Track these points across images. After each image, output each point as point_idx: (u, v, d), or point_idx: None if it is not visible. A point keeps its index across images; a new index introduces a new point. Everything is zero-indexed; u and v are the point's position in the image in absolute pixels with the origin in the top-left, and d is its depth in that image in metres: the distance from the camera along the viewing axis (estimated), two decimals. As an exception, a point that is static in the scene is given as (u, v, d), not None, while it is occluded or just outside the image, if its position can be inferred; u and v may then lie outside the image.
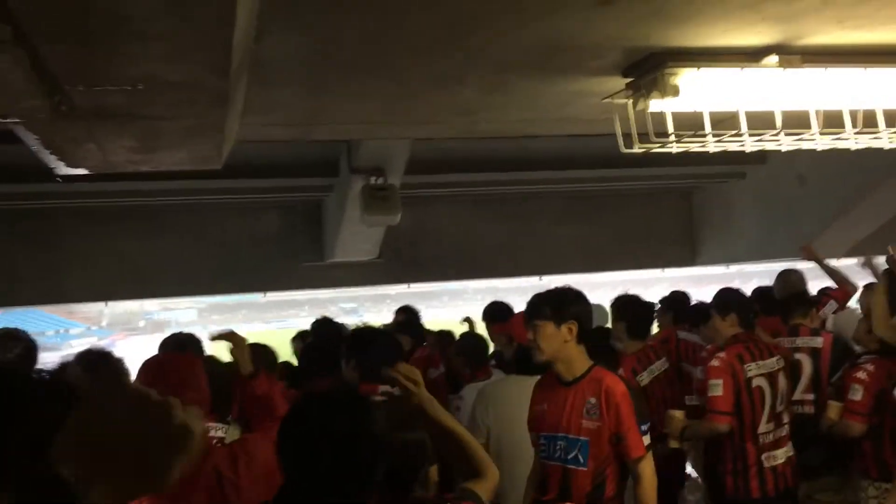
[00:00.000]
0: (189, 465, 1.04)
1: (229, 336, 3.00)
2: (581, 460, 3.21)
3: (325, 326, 5.67)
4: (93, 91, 2.51)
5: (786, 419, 4.31)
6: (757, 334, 4.51)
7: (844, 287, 5.79)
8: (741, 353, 4.22)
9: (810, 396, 4.76)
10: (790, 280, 5.54)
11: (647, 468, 3.22)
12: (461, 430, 2.31)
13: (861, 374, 4.18)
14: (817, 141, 3.46)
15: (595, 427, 3.20)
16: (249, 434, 2.71)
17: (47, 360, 4.81)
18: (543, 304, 3.30)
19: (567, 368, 3.30)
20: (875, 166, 8.15)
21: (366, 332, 4.30)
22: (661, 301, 6.22)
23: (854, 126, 3.42)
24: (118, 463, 0.99)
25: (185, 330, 4.92)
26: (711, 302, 4.63)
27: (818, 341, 4.85)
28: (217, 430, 3.17)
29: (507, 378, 4.00)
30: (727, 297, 4.53)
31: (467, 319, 6.83)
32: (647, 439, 3.25)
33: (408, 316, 6.78)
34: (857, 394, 4.14)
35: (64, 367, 3.00)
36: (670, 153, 3.56)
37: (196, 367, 2.66)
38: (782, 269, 5.81)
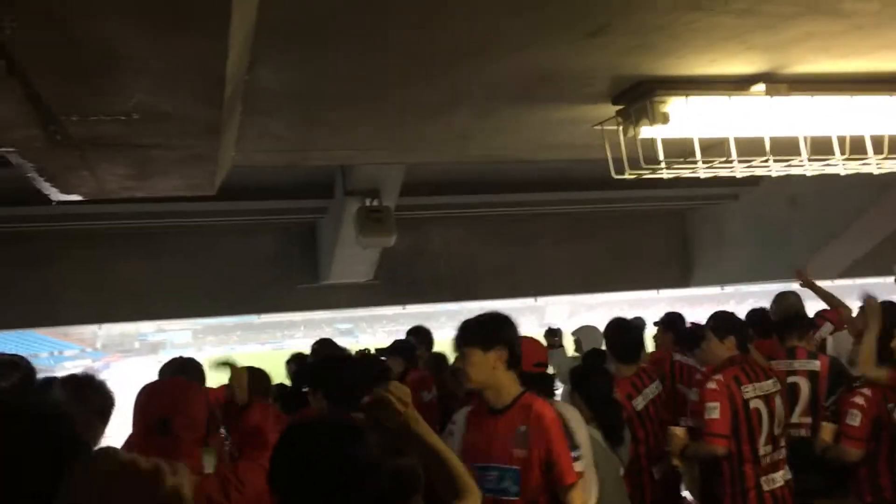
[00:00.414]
0: None
1: (230, 366, 3.01)
2: (512, 490, 3.08)
3: (325, 348, 5.66)
4: (87, 121, 2.53)
5: (782, 442, 4.34)
6: (752, 357, 4.54)
7: (839, 309, 5.81)
8: (738, 375, 4.26)
9: (808, 420, 4.78)
10: (787, 302, 5.56)
11: (577, 497, 3.12)
12: (445, 448, 2.30)
13: (859, 400, 4.18)
14: (806, 167, 3.50)
15: (525, 455, 3.08)
16: (240, 461, 2.71)
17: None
18: (471, 330, 3.19)
19: (496, 396, 3.19)
20: (866, 189, 8.21)
21: (329, 361, 4.29)
22: (658, 323, 6.24)
23: (843, 152, 3.45)
24: None
25: (182, 353, 4.92)
26: (708, 324, 4.66)
27: (815, 364, 4.88)
28: None
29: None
30: (725, 320, 4.57)
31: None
32: (578, 465, 3.16)
33: (420, 336, 6.75)
34: (854, 419, 4.15)
35: (48, 385, 3.03)
36: (663, 178, 3.59)
37: (191, 392, 2.63)
38: (779, 290, 5.83)
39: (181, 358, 4.50)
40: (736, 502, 4.18)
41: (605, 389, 4.48)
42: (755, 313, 5.74)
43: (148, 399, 2.49)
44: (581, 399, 4.32)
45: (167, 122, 2.58)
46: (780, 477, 4.25)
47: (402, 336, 6.93)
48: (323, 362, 4.28)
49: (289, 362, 6.25)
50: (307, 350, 6.10)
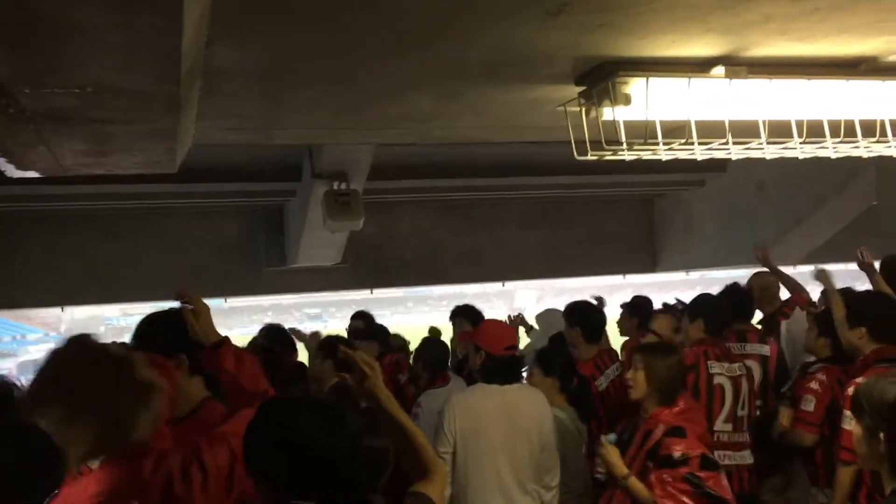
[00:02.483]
0: (155, 423, 1.05)
1: (194, 300, 2.59)
2: None
3: (274, 334, 5.56)
4: (40, 94, 2.49)
5: (746, 426, 4.42)
6: (722, 341, 4.62)
7: (800, 293, 5.88)
8: (707, 350, 4.39)
9: (758, 402, 4.86)
10: (757, 282, 5.62)
11: None
12: (413, 427, 2.30)
13: (814, 385, 4.25)
14: (765, 150, 3.54)
15: None
16: (207, 438, 2.54)
17: (2, 366, 4.75)
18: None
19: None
20: (832, 175, 8.33)
21: None
22: (623, 306, 6.28)
23: (800, 136, 3.49)
24: (89, 410, 1.00)
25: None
26: (686, 306, 4.84)
27: (766, 349, 4.98)
28: None
29: (475, 387, 4.00)
30: (697, 303, 4.72)
31: (433, 329, 6.81)
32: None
33: (366, 321, 6.74)
34: (809, 405, 4.21)
35: None
36: (626, 161, 3.61)
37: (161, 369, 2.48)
38: (744, 276, 5.88)
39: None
40: None
41: (572, 365, 4.57)
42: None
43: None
44: (549, 379, 4.38)
45: (123, 96, 2.55)
46: (738, 457, 4.32)
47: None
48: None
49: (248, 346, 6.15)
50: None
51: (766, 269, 5.84)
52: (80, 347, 1.06)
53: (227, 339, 2.56)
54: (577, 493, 4.28)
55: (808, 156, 3.62)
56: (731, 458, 4.30)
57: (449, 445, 3.74)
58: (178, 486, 2.26)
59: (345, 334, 6.28)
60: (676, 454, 3.31)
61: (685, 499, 3.26)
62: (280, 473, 1.83)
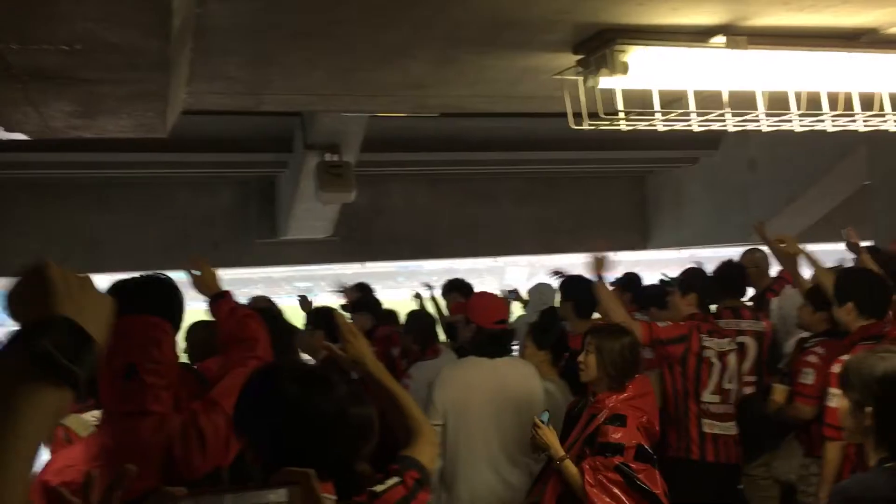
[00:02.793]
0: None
1: (202, 265, 2.75)
2: None
3: (261, 304, 5.51)
4: (28, 50, 2.44)
5: (733, 398, 4.47)
6: (711, 317, 4.64)
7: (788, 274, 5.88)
8: (699, 325, 4.44)
9: (752, 378, 4.88)
10: (747, 258, 5.64)
11: None
12: (401, 391, 2.28)
13: (812, 358, 4.25)
14: (762, 122, 3.50)
15: None
16: (203, 402, 2.53)
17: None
18: None
19: None
20: (824, 154, 8.32)
21: None
22: (615, 282, 6.28)
23: (798, 108, 3.46)
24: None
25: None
26: (675, 279, 4.85)
27: (761, 325, 5.01)
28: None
29: (465, 360, 3.98)
30: (689, 277, 4.73)
31: (417, 296, 6.82)
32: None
33: (364, 293, 6.72)
34: (808, 377, 4.22)
35: None
36: (629, 133, 3.58)
37: (159, 334, 2.37)
38: (734, 254, 5.88)
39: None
40: (680, 443, 4.34)
41: (565, 340, 4.55)
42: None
43: (113, 342, 2.36)
44: (541, 352, 4.37)
45: (112, 53, 2.49)
46: (724, 428, 4.41)
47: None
48: None
49: None
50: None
51: (756, 247, 5.83)
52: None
53: (227, 292, 2.72)
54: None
55: (805, 129, 3.59)
56: (719, 428, 4.38)
57: (439, 417, 3.73)
58: (177, 449, 2.26)
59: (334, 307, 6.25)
60: (613, 442, 3.26)
61: (615, 489, 3.20)
62: (265, 439, 1.82)
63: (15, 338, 1.01)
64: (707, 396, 4.37)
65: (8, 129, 3.39)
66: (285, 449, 1.80)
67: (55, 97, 2.94)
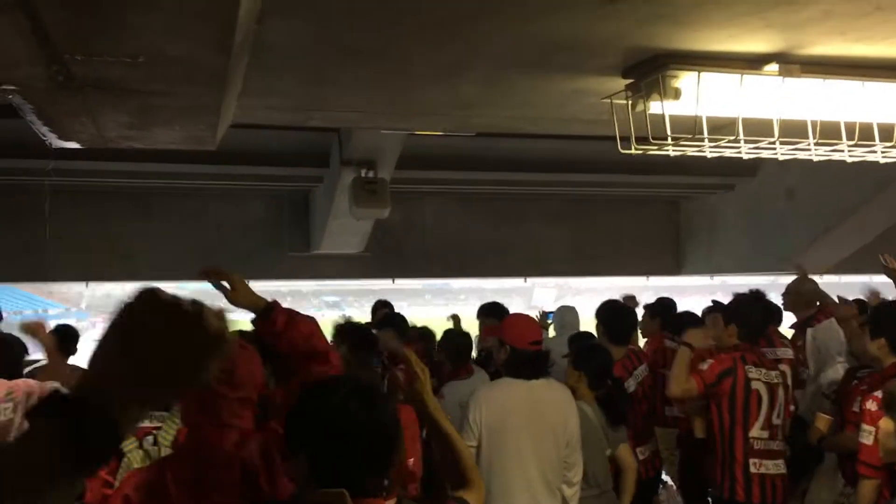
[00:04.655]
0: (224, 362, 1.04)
1: (224, 275, 2.44)
2: None
3: None
4: (92, 62, 2.48)
5: (781, 435, 4.34)
6: (758, 348, 4.53)
7: (829, 307, 5.81)
8: (744, 355, 4.31)
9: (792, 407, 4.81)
10: (805, 288, 5.55)
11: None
12: (454, 433, 2.28)
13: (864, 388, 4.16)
14: (812, 151, 3.48)
15: None
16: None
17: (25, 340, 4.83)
18: None
19: None
20: (862, 186, 8.22)
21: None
22: (647, 307, 6.24)
23: (850, 139, 3.43)
24: (157, 374, 0.99)
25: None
26: (720, 308, 4.77)
27: (790, 352, 4.96)
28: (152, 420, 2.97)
29: (500, 381, 3.98)
30: (732, 307, 4.63)
31: (454, 317, 6.81)
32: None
33: (389, 310, 6.72)
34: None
35: None
36: (665, 157, 3.56)
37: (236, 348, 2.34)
38: (769, 283, 5.83)
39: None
40: (724, 482, 4.20)
41: (609, 368, 4.51)
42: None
43: None
44: (577, 372, 4.34)
45: (173, 67, 2.53)
46: (772, 465, 4.25)
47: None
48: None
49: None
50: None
51: (807, 276, 5.77)
52: (151, 298, 1.04)
53: (275, 302, 2.45)
54: (598, 490, 4.24)
55: (856, 159, 3.56)
56: (766, 468, 4.24)
57: (474, 439, 3.72)
58: (259, 468, 2.26)
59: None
60: None
61: None
62: (311, 452, 1.83)
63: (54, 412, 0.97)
64: (756, 432, 4.23)
65: (62, 138, 3.45)
66: (330, 461, 1.80)
67: (112, 108, 2.99)
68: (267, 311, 2.42)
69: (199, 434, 2.29)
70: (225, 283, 2.44)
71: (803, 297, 5.49)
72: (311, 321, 2.47)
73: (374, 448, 1.83)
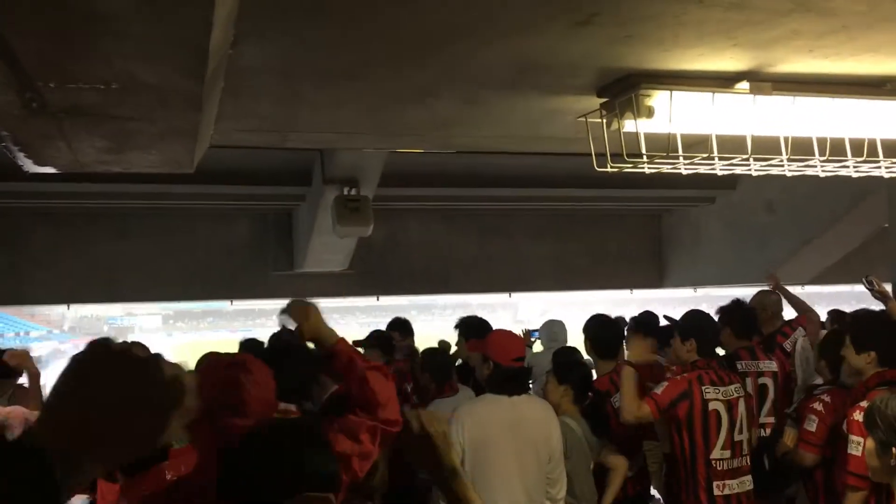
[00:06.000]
0: (186, 419, 1.01)
1: (305, 309, 2.43)
2: None
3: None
4: (65, 88, 2.48)
5: (746, 450, 4.27)
6: (715, 362, 4.48)
7: (807, 315, 5.84)
8: (700, 375, 4.21)
9: (771, 420, 4.81)
10: (766, 301, 5.57)
11: None
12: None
13: (818, 406, 4.17)
14: (786, 167, 3.52)
15: None
16: None
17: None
18: None
19: None
20: (842, 196, 8.31)
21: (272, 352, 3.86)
22: (631, 321, 6.24)
23: (822, 154, 3.48)
24: (110, 429, 0.96)
25: (151, 338, 4.82)
26: (676, 324, 4.65)
27: (774, 365, 4.94)
28: None
29: (483, 397, 3.98)
30: (688, 323, 4.49)
31: (442, 343, 6.76)
32: None
33: (404, 329, 6.65)
34: (812, 424, 4.13)
35: None
36: (643, 174, 3.59)
37: (244, 376, 2.27)
38: (750, 293, 5.84)
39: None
40: (689, 501, 4.18)
41: (590, 381, 4.53)
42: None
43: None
44: (563, 387, 4.35)
45: (147, 93, 2.54)
46: (737, 485, 4.18)
47: (376, 328, 6.85)
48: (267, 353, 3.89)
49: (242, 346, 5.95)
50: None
51: (767, 290, 5.79)
52: (102, 352, 1.02)
53: (339, 343, 2.46)
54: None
55: (829, 174, 3.61)
56: (730, 488, 4.15)
57: (457, 455, 3.71)
58: None
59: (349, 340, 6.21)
60: None
61: None
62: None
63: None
64: (717, 453, 4.12)
65: (38, 164, 3.44)
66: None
67: (88, 133, 2.98)
68: (328, 357, 2.46)
69: (210, 460, 2.24)
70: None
71: (768, 311, 5.48)
72: (376, 367, 2.46)
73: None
